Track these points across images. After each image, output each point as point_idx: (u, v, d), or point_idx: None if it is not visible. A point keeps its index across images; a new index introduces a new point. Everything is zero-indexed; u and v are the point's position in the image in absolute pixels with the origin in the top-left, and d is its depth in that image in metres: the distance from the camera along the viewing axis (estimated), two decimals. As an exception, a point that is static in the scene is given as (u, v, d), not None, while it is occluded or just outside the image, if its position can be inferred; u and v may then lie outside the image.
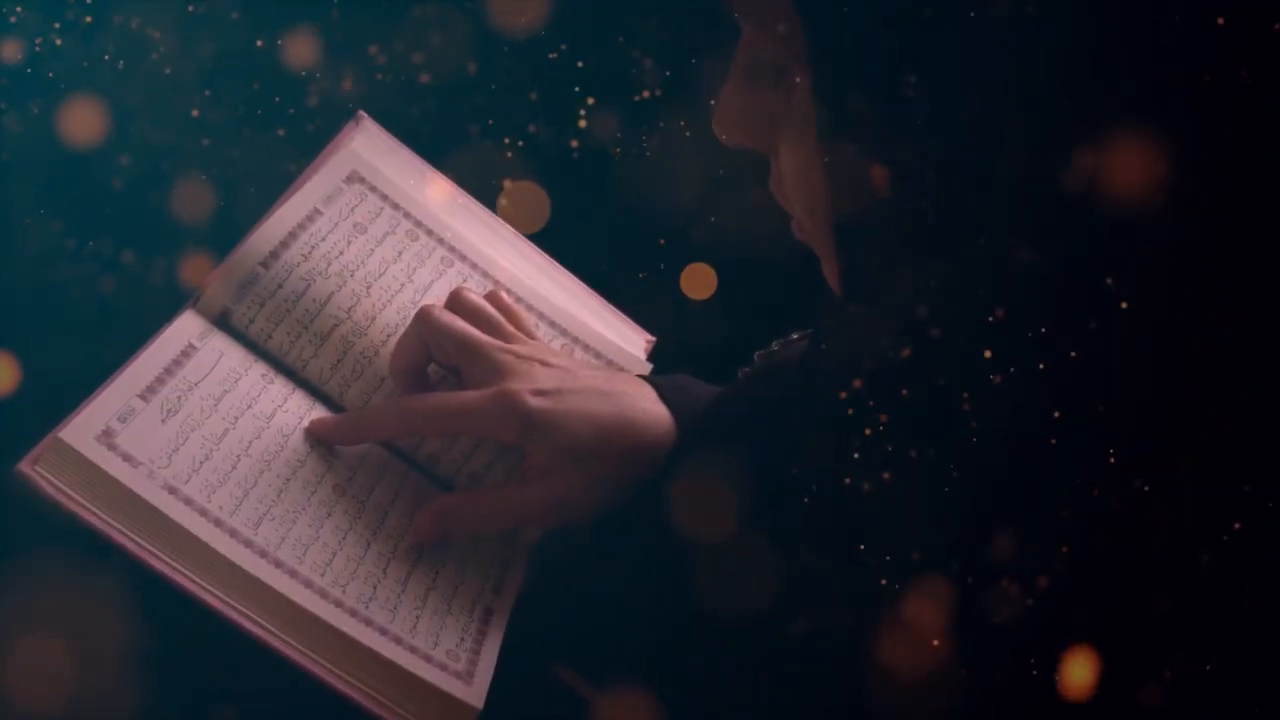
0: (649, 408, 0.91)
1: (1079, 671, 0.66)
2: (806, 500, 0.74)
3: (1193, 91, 0.62)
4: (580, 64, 1.26)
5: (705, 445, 0.88)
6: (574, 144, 1.27)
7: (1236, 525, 0.65)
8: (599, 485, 0.89)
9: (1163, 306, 0.64)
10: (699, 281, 1.21)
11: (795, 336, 0.96)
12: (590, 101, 1.26)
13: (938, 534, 0.68)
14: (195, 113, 1.20)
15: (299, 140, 1.18)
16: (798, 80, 0.74)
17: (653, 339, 1.06)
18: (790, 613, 0.73)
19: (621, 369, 0.99)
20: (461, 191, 1.04)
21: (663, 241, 1.25)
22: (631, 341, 1.05)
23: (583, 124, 1.26)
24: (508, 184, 1.20)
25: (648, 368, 1.01)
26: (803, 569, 0.73)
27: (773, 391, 0.90)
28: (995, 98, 0.64)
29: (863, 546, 0.70)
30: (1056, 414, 0.65)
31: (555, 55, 1.26)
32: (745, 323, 1.16)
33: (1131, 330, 0.64)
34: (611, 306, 1.06)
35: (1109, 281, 0.64)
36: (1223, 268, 0.64)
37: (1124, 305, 0.63)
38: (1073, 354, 0.64)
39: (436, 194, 1.03)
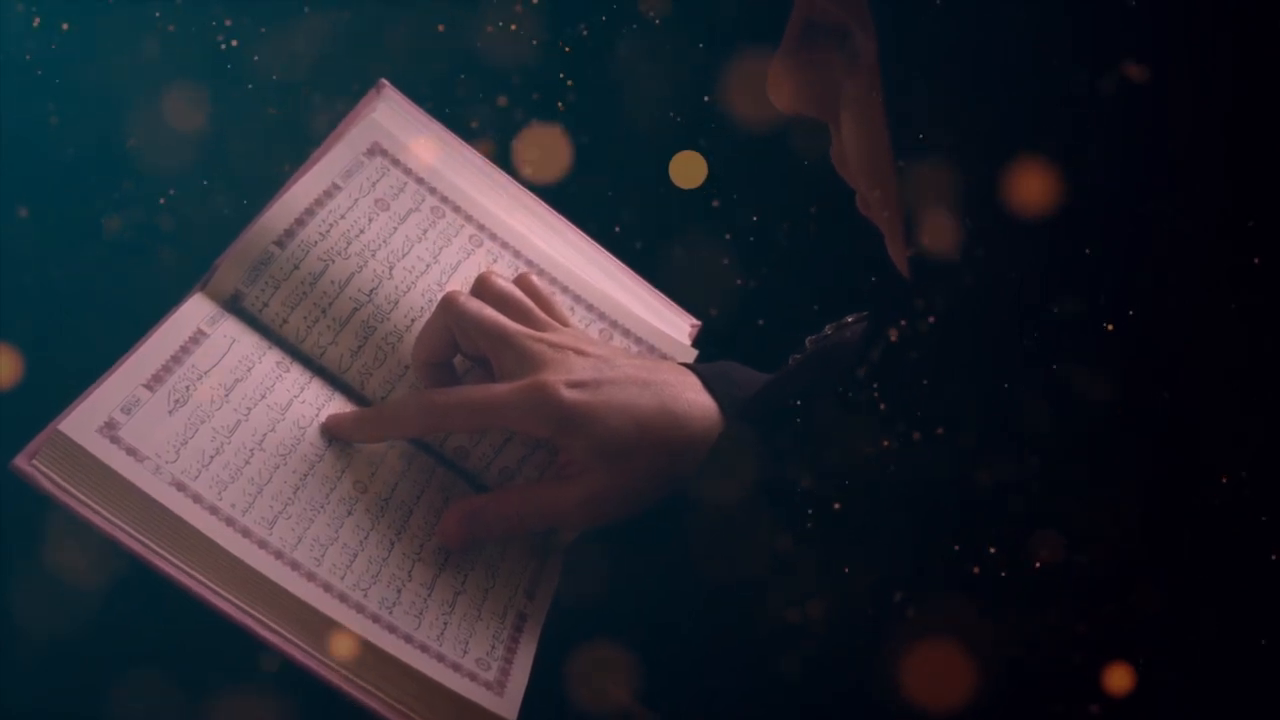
0: (692, 398, 0.89)
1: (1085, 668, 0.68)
2: (856, 494, 0.74)
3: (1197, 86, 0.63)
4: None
5: (752, 437, 0.87)
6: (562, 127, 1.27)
7: (1238, 525, 0.66)
8: (639, 482, 0.87)
9: (1174, 304, 0.65)
10: (688, 170, 1.20)
11: (850, 320, 0.95)
12: (569, 82, 1.26)
13: (965, 530, 0.69)
14: (199, 105, 1.21)
15: (307, 126, 1.18)
16: (860, 44, 0.73)
17: (697, 323, 1.05)
18: (824, 613, 0.74)
19: (663, 356, 0.99)
20: (491, 164, 1.03)
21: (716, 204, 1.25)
22: (675, 326, 1.04)
23: (561, 107, 1.26)
24: (523, 139, 1.19)
25: (692, 354, 1.00)
26: (842, 568, 0.74)
27: (825, 379, 0.89)
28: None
29: (897, 543, 0.71)
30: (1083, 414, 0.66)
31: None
32: (797, 305, 1.16)
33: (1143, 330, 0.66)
34: (653, 288, 1.05)
35: (1144, 272, 0.65)
36: (1224, 265, 0.65)
37: (1150, 302, 0.65)
38: (1100, 350, 0.66)
39: (464, 167, 1.02)
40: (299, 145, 0.97)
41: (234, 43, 1.23)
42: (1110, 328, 0.65)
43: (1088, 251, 0.65)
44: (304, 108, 1.24)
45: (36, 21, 1.18)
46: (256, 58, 1.24)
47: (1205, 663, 0.66)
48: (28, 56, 1.19)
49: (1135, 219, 0.64)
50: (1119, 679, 0.66)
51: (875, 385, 0.71)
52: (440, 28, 1.27)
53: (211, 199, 1.23)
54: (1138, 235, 0.64)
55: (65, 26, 1.19)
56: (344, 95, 1.07)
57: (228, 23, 1.22)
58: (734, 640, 0.79)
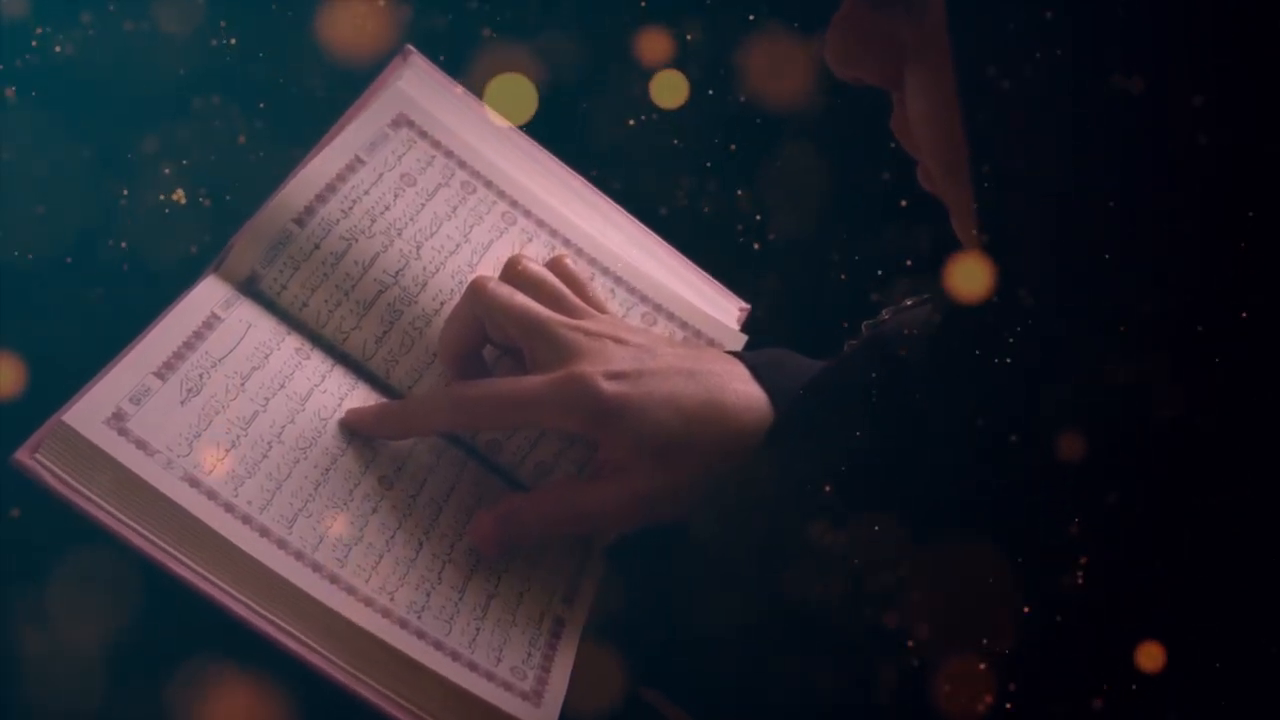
0: (741, 388, 0.88)
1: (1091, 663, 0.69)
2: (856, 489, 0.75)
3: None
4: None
5: (805, 430, 0.86)
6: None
7: (1239, 524, 0.66)
8: (684, 479, 0.86)
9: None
10: (669, 89, 1.21)
11: (909, 303, 0.94)
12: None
13: (966, 530, 0.70)
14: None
15: (313, 116, 1.19)
16: (928, 5, 0.71)
17: (747, 306, 1.05)
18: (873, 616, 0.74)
19: (710, 342, 0.98)
20: (525, 137, 1.03)
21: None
22: (723, 310, 1.03)
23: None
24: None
25: (742, 340, 0.99)
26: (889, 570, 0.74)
27: (883, 367, 0.87)
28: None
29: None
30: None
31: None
32: (853, 287, 1.15)
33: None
34: (699, 269, 1.04)
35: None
36: (1224, 265, 0.65)
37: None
38: (1100, 350, 0.67)
39: (496, 140, 1.01)
40: (302, 144, 0.96)
41: (232, 40, 1.23)
42: (1110, 328, 0.65)
43: (1088, 252, 0.65)
44: (308, 105, 1.24)
45: (39, 30, 1.18)
46: (261, 53, 1.25)
47: (1206, 662, 0.66)
48: (29, 57, 1.20)
49: (1135, 219, 0.64)
50: (1121, 678, 0.67)
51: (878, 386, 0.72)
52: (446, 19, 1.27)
53: (215, 197, 1.24)
54: (1138, 235, 0.65)
55: (59, 50, 1.20)
56: (347, 89, 1.07)
57: (222, 24, 1.23)
58: (747, 631, 0.79)
